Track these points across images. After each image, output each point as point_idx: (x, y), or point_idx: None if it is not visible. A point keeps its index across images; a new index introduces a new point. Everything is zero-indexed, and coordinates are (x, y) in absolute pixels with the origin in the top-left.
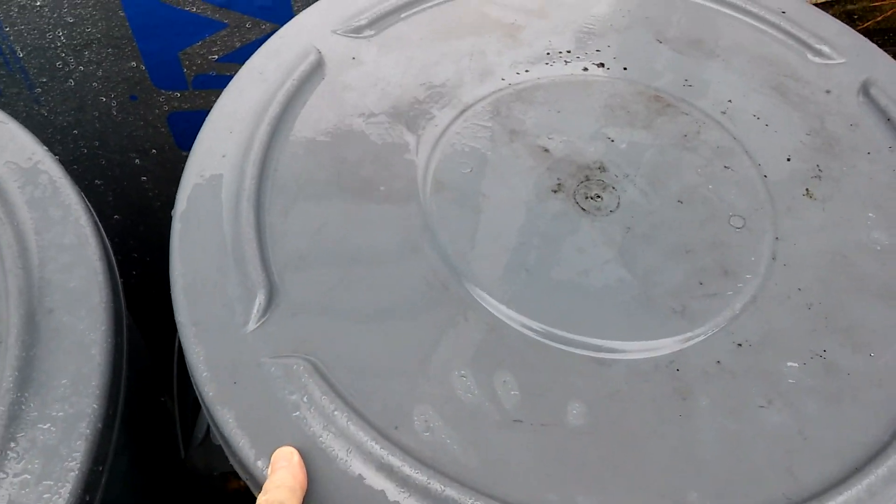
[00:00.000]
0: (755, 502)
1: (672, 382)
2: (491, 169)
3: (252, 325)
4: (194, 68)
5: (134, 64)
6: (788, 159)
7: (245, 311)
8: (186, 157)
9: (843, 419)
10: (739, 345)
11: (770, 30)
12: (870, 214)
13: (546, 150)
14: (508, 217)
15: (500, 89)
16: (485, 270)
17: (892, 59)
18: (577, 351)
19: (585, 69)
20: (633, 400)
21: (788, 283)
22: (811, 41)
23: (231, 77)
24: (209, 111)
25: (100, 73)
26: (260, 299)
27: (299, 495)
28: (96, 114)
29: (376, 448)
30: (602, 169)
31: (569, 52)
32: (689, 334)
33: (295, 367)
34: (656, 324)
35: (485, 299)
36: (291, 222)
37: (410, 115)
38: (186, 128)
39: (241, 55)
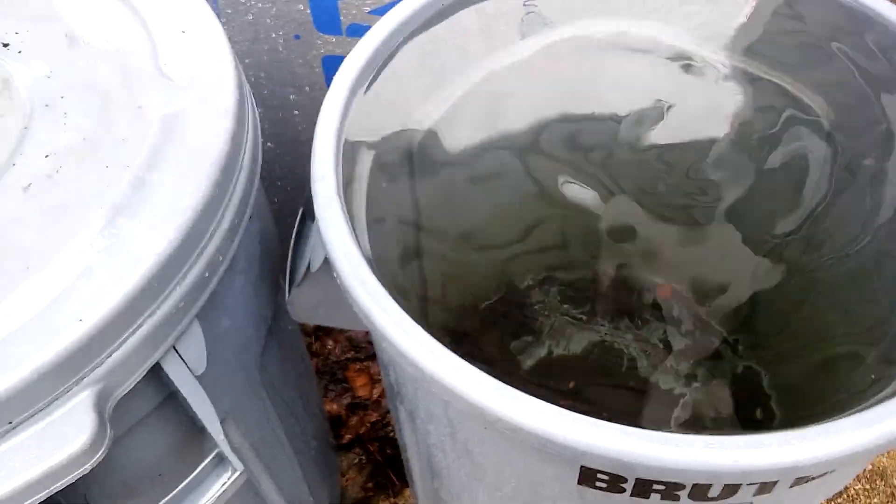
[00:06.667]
0: None
1: None
2: None
3: None
4: (349, 17)
5: (301, 7)
6: None
7: None
8: None
9: None
10: None
11: None
12: None
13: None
14: None
15: None
16: None
17: None
18: None
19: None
20: None
21: None
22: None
23: None
24: None
25: (273, 10)
26: None
27: None
28: (265, 47)
29: None
30: None
31: None
32: None
33: None
34: None
35: None
36: None
37: None
38: (335, 71)
39: (387, 10)
